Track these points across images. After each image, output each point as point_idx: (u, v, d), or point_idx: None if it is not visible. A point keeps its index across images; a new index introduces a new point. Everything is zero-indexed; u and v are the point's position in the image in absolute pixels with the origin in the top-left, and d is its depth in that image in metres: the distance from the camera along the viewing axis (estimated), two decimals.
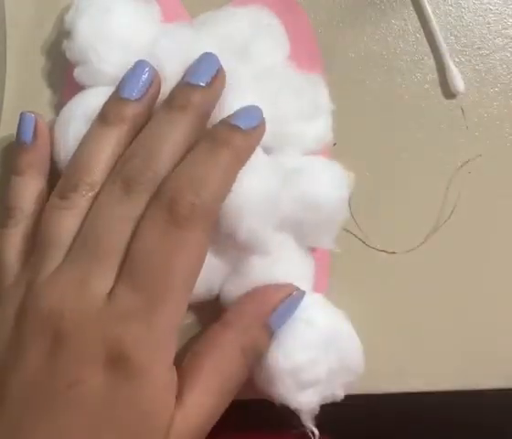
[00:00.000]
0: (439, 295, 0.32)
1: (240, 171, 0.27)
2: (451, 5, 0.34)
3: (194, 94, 0.28)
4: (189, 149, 0.27)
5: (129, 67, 0.29)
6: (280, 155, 0.30)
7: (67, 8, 0.31)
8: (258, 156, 0.28)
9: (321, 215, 0.29)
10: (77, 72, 0.30)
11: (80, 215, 0.27)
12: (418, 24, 0.34)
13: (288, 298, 0.28)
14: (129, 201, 0.26)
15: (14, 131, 0.30)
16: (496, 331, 0.32)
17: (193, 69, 0.29)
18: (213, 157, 0.27)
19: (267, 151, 0.30)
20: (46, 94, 0.33)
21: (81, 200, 0.27)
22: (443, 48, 0.33)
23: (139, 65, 0.29)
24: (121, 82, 0.29)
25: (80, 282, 0.26)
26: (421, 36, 0.34)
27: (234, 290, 0.29)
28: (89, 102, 0.29)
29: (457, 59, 0.34)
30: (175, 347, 0.26)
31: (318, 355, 0.29)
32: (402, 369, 0.32)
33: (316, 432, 0.29)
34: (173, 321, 0.26)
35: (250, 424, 0.34)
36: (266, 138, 0.29)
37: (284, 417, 0.29)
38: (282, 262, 0.30)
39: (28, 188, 0.30)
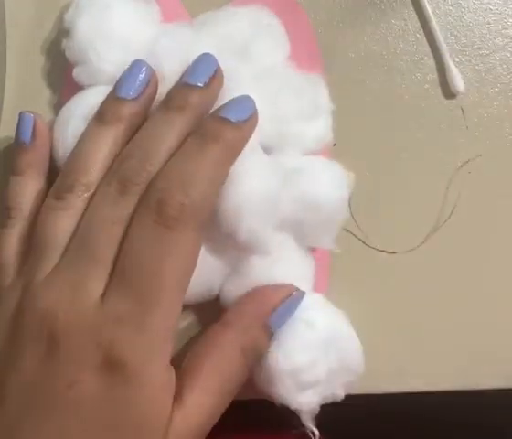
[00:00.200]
0: (439, 295, 0.32)
1: (240, 171, 0.27)
2: (451, 5, 0.34)
3: (192, 95, 0.28)
4: None
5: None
6: (280, 155, 0.30)
7: (66, 7, 0.31)
8: (258, 156, 0.28)
9: (321, 215, 0.29)
10: (76, 72, 0.30)
11: (76, 216, 0.27)
12: (418, 24, 0.34)
13: (288, 298, 0.28)
14: (124, 202, 0.26)
15: (13, 131, 0.30)
16: (496, 331, 0.32)
17: (191, 69, 0.29)
18: (202, 154, 0.26)
19: (267, 151, 0.30)
20: (45, 94, 0.33)
21: (77, 201, 0.27)
22: (443, 48, 0.33)
23: (136, 64, 0.29)
24: (118, 82, 0.29)
25: (75, 283, 0.26)
26: (421, 36, 0.34)
27: (234, 290, 0.29)
28: (88, 102, 0.29)
29: (457, 59, 0.33)
30: (171, 347, 0.26)
31: (318, 355, 0.28)
32: (402, 369, 0.32)
33: (316, 432, 0.29)
34: (167, 322, 0.26)
35: (250, 424, 0.33)
36: (266, 138, 0.29)
37: (284, 417, 0.29)
38: (282, 263, 0.29)
39: (28, 188, 0.29)
